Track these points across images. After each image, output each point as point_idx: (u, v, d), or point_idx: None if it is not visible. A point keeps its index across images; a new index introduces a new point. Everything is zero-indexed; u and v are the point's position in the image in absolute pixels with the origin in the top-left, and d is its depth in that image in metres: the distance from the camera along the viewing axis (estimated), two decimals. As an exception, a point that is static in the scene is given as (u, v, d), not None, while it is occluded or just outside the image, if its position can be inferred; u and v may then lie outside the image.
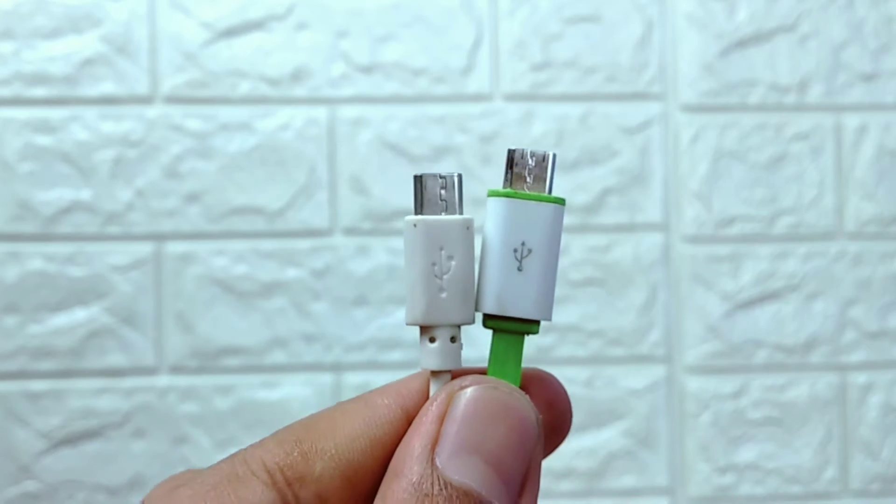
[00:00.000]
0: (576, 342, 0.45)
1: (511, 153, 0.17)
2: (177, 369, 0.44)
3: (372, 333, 0.44)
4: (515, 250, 0.17)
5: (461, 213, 0.17)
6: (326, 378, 0.44)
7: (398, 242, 0.44)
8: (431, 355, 0.17)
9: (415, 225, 0.17)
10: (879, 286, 0.46)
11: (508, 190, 0.17)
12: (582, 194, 0.45)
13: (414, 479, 0.15)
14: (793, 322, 0.46)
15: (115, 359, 0.44)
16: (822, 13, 0.46)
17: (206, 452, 0.44)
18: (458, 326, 0.17)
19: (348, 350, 0.44)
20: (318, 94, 0.45)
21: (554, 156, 0.17)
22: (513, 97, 0.45)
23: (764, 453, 0.45)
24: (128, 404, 0.44)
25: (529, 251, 0.17)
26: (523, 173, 0.17)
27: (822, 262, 0.46)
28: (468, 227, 0.17)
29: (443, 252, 0.17)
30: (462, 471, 0.15)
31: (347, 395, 0.44)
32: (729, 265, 0.46)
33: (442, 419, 0.15)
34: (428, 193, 0.17)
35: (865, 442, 0.46)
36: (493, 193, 0.17)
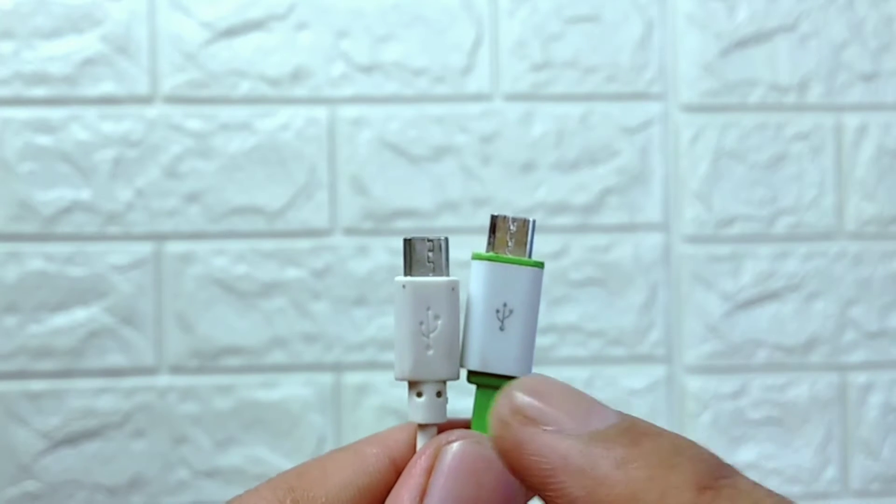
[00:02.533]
0: (576, 342, 0.45)
1: (493, 219, 0.18)
2: (177, 369, 0.44)
3: (372, 333, 0.44)
4: (497, 311, 0.18)
5: (447, 274, 0.18)
6: (326, 378, 0.44)
7: (398, 242, 0.44)
8: (419, 409, 0.18)
9: (404, 286, 0.18)
10: (879, 286, 0.46)
11: (491, 254, 0.18)
12: (582, 194, 0.45)
13: None
14: (793, 322, 0.46)
15: (115, 359, 0.44)
16: (822, 13, 0.46)
17: (205, 452, 0.44)
18: (444, 382, 0.18)
19: (348, 350, 0.44)
20: (318, 93, 0.45)
21: (534, 222, 0.18)
22: (513, 97, 0.45)
23: (764, 453, 0.45)
24: (128, 404, 0.44)
25: (511, 312, 0.18)
26: (505, 238, 0.18)
27: (822, 262, 0.46)
28: (454, 289, 0.18)
29: (430, 312, 0.18)
30: None
31: (347, 395, 0.44)
32: (729, 265, 0.46)
33: (429, 472, 0.16)
34: (417, 255, 0.18)
35: (865, 442, 0.46)
36: (476, 256, 0.18)
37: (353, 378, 0.44)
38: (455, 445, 0.17)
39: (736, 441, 0.45)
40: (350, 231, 0.44)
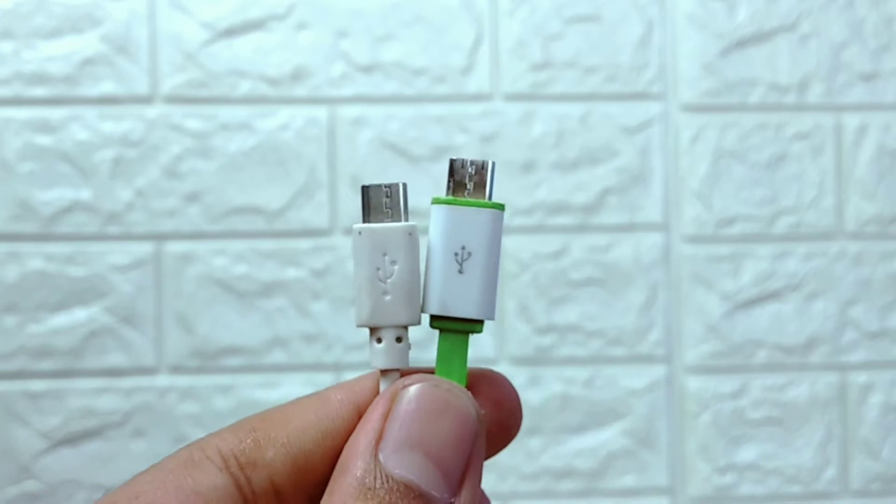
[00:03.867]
0: (576, 342, 0.45)
1: (451, 162, 0.18)
2: (177, 369, 0.44)
3: (372, 333, 0.44)
4: (456, 254, 0.18)
5: (406, 220, 0.18)
6: (326, 378, 0.44)
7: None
8: (378, 355, 0.18)
9: (360, 233, 0.18)
10: (879, 286, 0.46)
11: (449, 197, 0.18)
12: (582, 194, 0.45)
13: (358, 474, 0.16)
14: (793, 322, 0.46)
15: (115, 359, 0.44)
16: (823, 13, 0.46)
17: (206, 452, 0.43)
18: (405, 327, 0.18)
19: (348, 350, 0.44)
20: (318, 93, 0.45)
21: (493, 164, 0.18)
22: (513, 97, 0.45)
23: (764, 453, 0.45)
24: (128, 404, 0.44)
25: (469, 254, 0.18)
26: (464, 181, 0.18)
27: (822, 261, 0.46)
28: (410, 233, 0.18)
29: (386, 257, 0.18)
30: (403, 465, 0.16)
31: (347, 394, 0.44)
32: (729, 265, 0.46)
33: (387, 416, 0.16)
34: (373, 202, 0.18)
35: (865, 442, 0.46)
36: (435, 201, 0.18)
37: (352, 378, 0.44)
38: (412, 388, 0.17)
39: (736, 441, 0.45)
40: (350, 231, 0.44)
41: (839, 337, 0.46)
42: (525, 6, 0.45)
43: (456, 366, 0.18)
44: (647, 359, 0.45)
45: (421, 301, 0.18)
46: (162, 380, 0.44)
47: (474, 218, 0.18)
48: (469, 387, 0.18)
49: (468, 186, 0.18)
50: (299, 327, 0.44)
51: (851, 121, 0.46)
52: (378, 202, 0.18)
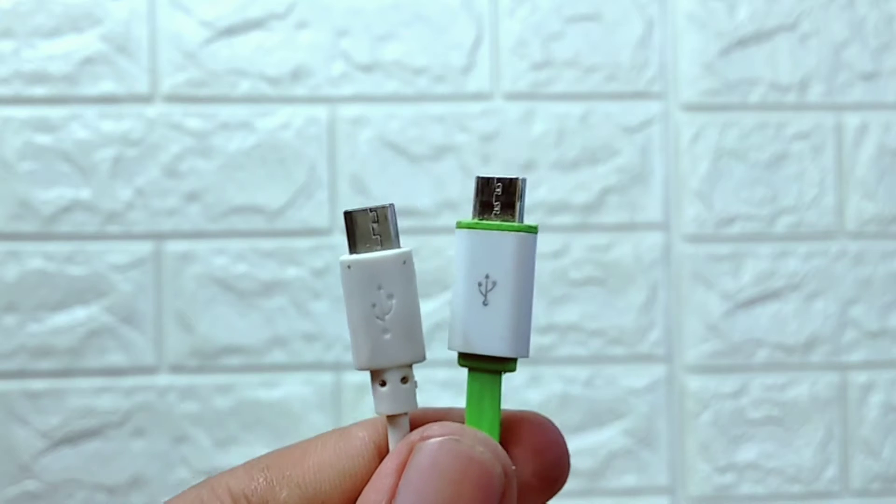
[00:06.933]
0: (576, 341, 0.45)
1: (477, 180, 0.16)
2: (177, 369, 0.44)
3: (372, 333, 0.44)
4: (479, 284, 0.16)
5: (398, 246, 0.16)
6: (326, 377, 0.44)
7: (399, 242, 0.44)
8: (383, 400, 0.16)
9: (349, 266, 0.16)
10: (880, 285, 0.46)
11: (473, 220, 0.16)
12: (582, 193, 0.45)
13: None
14: (793, 321, 0.46)
15: (115, 358, 0.44)
16: (823, 12, 0.46)
17: (205, 452, 0.43)
18: (409, 366, 0.16)
19: (348, 349, 0.44)
20: (319, 93, 0.45)
21: (523, 181, 0.16)
22: (513, 96, 0.45)
23: (764, 453, 0.45)
24: (128, 403, 0.44)
25: (494, 284, 0.16)
26: (490, 201, 0.16)
27: (822, 261, 0.46)
28: (405, 262, 0.16)
29: (381, 291, 0.16)
30: None
31: (347, 394, 0.44)
32: (729, 264, 0.46)
33: (400, 472, 0.15)
34: (359, 230, 0.16)
35: (866, 441, 0.46)
36: (459, 225, 0.16)
37: (353, 377, 0.44)
38: (430, 442, 0.15)
39: (736, 440, 0.45)
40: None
41: (839, 336, 0.46)
42: (525, 5, 0.45)
43: (487, 409, 0.16)
44: (648, 358, 0.45)
45: (423, 335, 0.16)
46: (162, 379, 0.44)
47: (498, 242, 0.16)
48: (505, 432, 0.16)
49: (495, 207, 0.16)
50: (299, 327, 0.44)
51: (852, 120, 0.46)
52: (365, 229, 0.16)
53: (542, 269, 0.45)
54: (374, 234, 0.16)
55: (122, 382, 0.44)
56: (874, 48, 0.46)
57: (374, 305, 0.16)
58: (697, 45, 0.46)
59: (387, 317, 0.16)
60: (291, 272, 0.44)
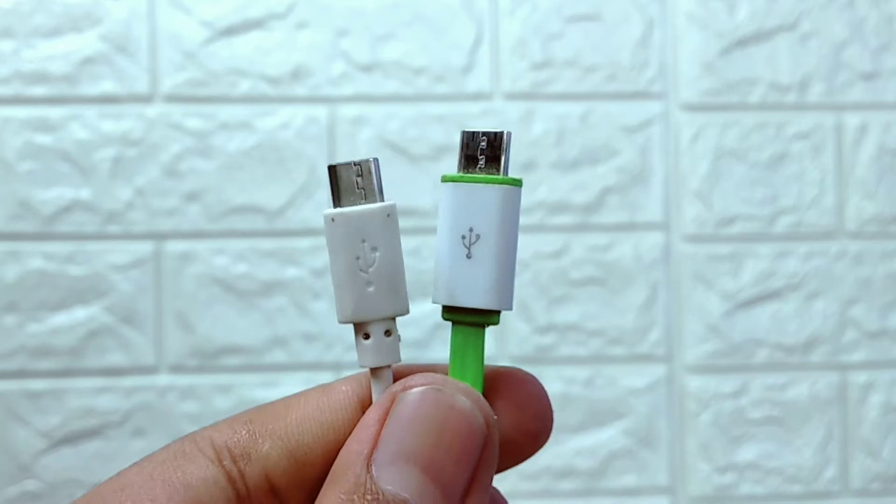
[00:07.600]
0: (576, 341, 0.45)
1: (462, 134, 0.16)
2: (177, 368, 0.44)
3: (372, 333, 0.44)
4: (463, 237, 0.16)
5: (382, 199, 0.16)
6: (326, 377, 0.44)
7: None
8: (367, 352, 0.16)
9: (332, 219, 0.16)
10: (880, 285, 0.46)
11: (458, 174, 0.16)
12: (582, 193, 0.45)
13: (349, 486, 0.14)
14: (793, 321, 0.46)
15: (115, 358, 0.44)
16: (823, 12, 0.46)
17: (205, 452, 0.43)
18: (393, 319, 0.16)
19: (348, 349, 0.44)
20: (318, 92, 0.45)
21: (508, 134, 0.16)
22: (513, 96, 0.45)
23: (764, 453, 0.45)
24: (127, 403, 0.44)
25: (478, 237, 0.16)
26: (476, 155, 0.16)
27: (822, 261, 0.46)
28: (389, 214, 0.16)
29: (365, 244, 0.16)
30: (397, 480, 0.14)
31: (347, 394, 0.44)
32: (729, 264, 0.46)
33: (383, 422, 0.15)
34: (343, 183, 0.16)
35: (866, 441, 0.46)
36: (445, 178, 0.16)
37: (353, 377, 0.44)
38: (412, 392, 0.15)
39: (736, 440, 0.45)
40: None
41: (839, 336, 0.46)
42: (525, 5, 0.45)
43: (470, 362, 0.16)
44: (648, 358, 0.45)
45: (407, 288, 0.16)
46: (162, 379, 0.44)
47: (482, 195, 0.16)
48: (488, 386, 0.16)
49: (480, 161, 0.16)
50: (299, 327, 0.44)
51: (852, 120, 0.46)
52: (349, 183, 0.16)
53: (543, 268, 0.45)
54: (359, 188, 0.16)
55: (122, 382, 0.44)
56: (874, 48, 0.46)
57: (357, 258, 0.16)
58: (697, 44, 0.46)
59: (370, 269, 0.16)
60: (291, 272, 0.44)
